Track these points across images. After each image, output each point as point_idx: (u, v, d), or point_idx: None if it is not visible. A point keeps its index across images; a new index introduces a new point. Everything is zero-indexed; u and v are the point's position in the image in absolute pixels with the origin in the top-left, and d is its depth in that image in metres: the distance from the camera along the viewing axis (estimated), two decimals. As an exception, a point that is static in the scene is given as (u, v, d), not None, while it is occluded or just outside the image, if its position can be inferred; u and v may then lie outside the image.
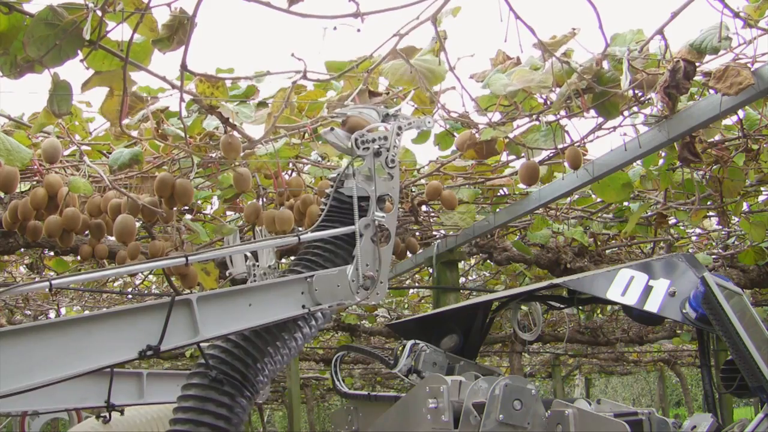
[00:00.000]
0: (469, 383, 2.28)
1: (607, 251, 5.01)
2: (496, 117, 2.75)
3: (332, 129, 1.81)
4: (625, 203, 4.17)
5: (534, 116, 2.72)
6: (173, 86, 2.05)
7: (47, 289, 1.29)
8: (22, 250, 3.85)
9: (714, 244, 5.20)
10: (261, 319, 1.53)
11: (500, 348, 10.54)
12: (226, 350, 1.64)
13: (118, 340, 1.32)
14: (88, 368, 1.28)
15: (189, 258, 1.46)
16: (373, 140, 1.75)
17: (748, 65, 2.24)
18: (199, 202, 3.63)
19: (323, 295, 1.59)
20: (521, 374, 9.62)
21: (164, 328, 1.33)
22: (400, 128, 1.79)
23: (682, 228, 4.89)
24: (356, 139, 1.74)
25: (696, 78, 2.35)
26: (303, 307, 1.57)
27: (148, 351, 1.31)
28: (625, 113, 2.73)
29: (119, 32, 1.78)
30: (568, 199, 4.12)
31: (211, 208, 3.82)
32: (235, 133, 2.38)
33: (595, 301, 3.10)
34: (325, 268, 1.71)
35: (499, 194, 3.87)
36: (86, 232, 3.04)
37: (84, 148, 2.78)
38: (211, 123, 2.47)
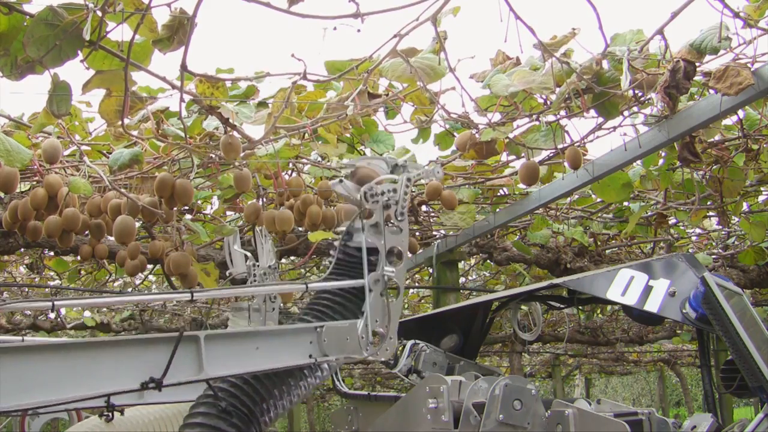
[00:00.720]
0: (469, 383, 2.28)
1: (607, 251, 5.01)
2: (496, 117, 2.75)
3: (341, 181, 1.76)
4: (625, 203, 4.17)
5: (534, 116, 2.72)
6: (173, 86, 2.05)
7: (50, 310, 1.28)
8: (22, 250, 3.85)
9: (714, 244, 5.20)
10: (267, 364, 1.51)
11: (500, 348, 10.54)
12: (235, 384, 1.62)
13: (123, 369, 1.31)
14: (88, 394, 1.27)
15: (195, 294, 1.45)
16: (382, 193, 1.70)
17: (748, 65, 2.24)
18: (199, 202, 3.63)
19: (332, 347, 1.57)
20: (521, 374, 9.61)
21: (169, 363, 1.31)
22: (409, 180, 1.73)
23: (682, 228, 4.89)
24: (365, 193, 1.69)
25: (696, 78, 2.35)
26: (310, 356, 1.55)
27: (150, 383, 1.30)
28: (625, 113, 2.73)
29: (119, 32, 1.78)
30: (568, 199, 4.12)
31: (211, 208, 3.82)
32: (235, 133, 2.38)
33: (595, 301, 3.10)
34: (335, 320, 1.68)
35: (499, 194, 3.87)
36: (86, 233, 3.04)
37: (84, 148, 2.78)
38: (211, 123, 2.47)
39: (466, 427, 1.96)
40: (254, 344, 1.47)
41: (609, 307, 7.76)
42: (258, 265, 2.15)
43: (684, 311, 2.38)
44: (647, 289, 2.41)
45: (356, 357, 1.62)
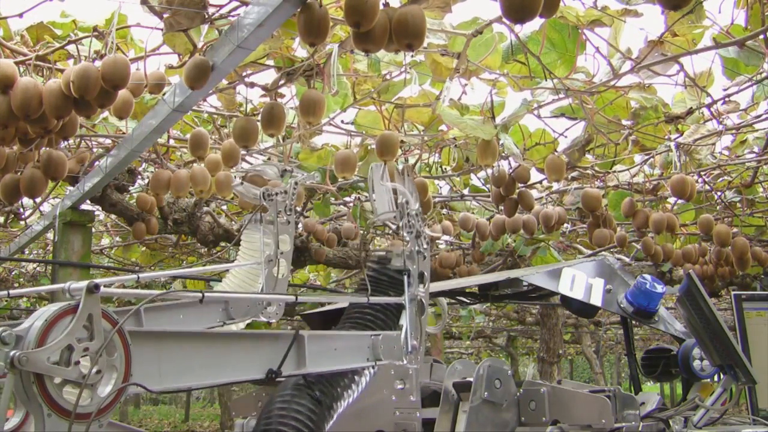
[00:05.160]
0: (443, 366, 2.52)
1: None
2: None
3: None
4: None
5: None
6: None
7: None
8: None
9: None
10: (342, 364, 1.73)
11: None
12: (318, 380, 1.80)
13: (248, 360, 1.45)
14: (225, 380, 1.41)
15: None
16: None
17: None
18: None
19: (386, 352, 1.79)
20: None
21: (284, 357, 1.49)
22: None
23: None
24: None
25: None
26: (367, 360, 1.78)
27: (272, 374, 1.46)
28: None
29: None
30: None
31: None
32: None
33: (510, 297, 3.38)
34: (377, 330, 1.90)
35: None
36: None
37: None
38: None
39: (445, 405, 2.19)
40: (333, 345, 1.67)
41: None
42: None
43: (621, 306, 2.73)
44: (589, 287, 2.74)
45: (397, 363, 1.84)
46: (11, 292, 1.83)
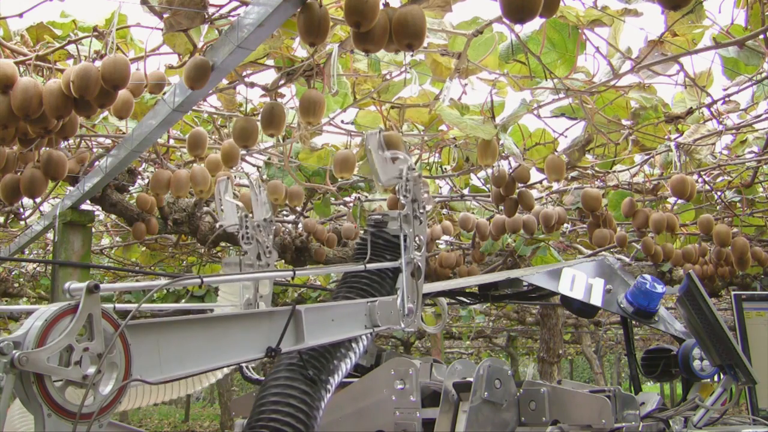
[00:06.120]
0: (443, 366, 2.51)
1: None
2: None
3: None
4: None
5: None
6: None
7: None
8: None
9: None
10: (341, 334, 1.70)
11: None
12: (313, 356, 1.80)
13: (247, 340, 1.45)
14: (226, 363, 1.40)
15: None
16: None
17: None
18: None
19: (382, 318, 1.77)
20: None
21: (283, 333, 1.48)
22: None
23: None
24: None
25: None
26: (365, 327, 1.75)
27: (272, 352, 1.45)
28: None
29: None
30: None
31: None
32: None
33: (510, 297, 3.38)
34: (374, 296, 1.89)
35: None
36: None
37: None
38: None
39: (446, 405, 2.19)
40: (330, 316, 1.64)
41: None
42: (251, 216, 2.10)
43: (621, 306, 2.73)
44: (589, 287, 2.74)
45: (395, 327, 1.82)
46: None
